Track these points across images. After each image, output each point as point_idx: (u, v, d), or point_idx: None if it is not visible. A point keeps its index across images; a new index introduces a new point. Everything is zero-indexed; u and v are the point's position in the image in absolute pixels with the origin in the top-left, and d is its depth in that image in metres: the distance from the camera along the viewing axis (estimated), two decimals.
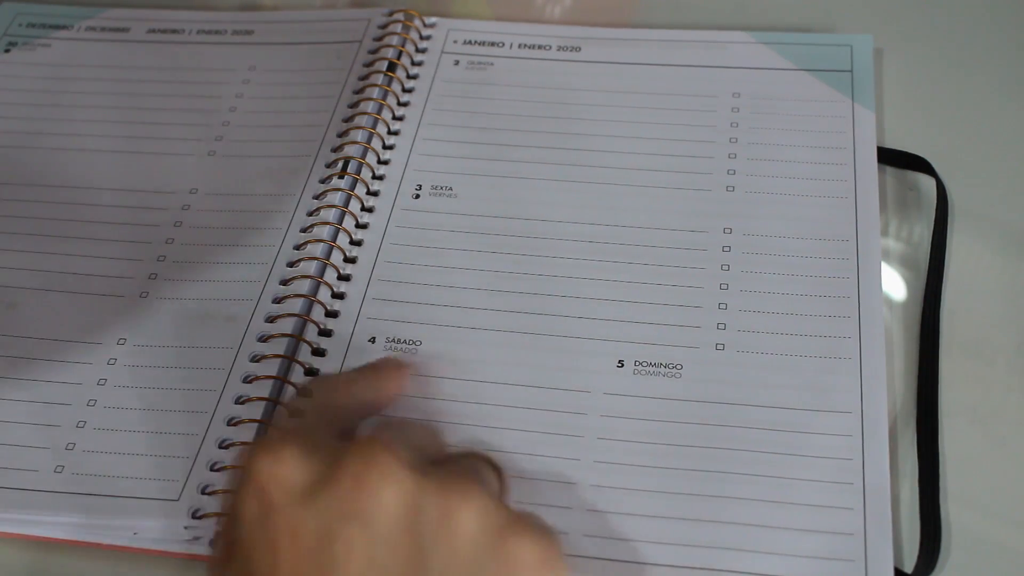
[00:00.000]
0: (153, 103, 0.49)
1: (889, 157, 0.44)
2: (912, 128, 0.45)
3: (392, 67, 0.48)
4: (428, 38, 0.50)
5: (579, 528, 0.35)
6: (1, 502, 0.36)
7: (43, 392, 0.39)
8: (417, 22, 0.50)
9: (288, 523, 0.28)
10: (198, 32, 0.52)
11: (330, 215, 0.43)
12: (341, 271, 0.42)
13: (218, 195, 0.45)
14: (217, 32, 0.51)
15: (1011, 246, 0.42)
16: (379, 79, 0.47)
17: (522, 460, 0.36)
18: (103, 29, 0.52)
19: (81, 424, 0.38)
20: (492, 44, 0.50)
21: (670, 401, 0.37)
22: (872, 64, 0.46)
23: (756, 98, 0.46)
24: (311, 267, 0.41)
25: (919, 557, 0.34)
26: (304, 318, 0.40)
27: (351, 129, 0.46)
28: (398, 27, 0.50)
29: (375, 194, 0.44)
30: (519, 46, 0.50)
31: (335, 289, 0.41)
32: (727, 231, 0.42)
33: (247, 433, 0.37)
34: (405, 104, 0.47)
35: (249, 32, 0.51)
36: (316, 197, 0.44)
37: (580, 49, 0.49)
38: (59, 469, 0.37)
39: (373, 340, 0.40)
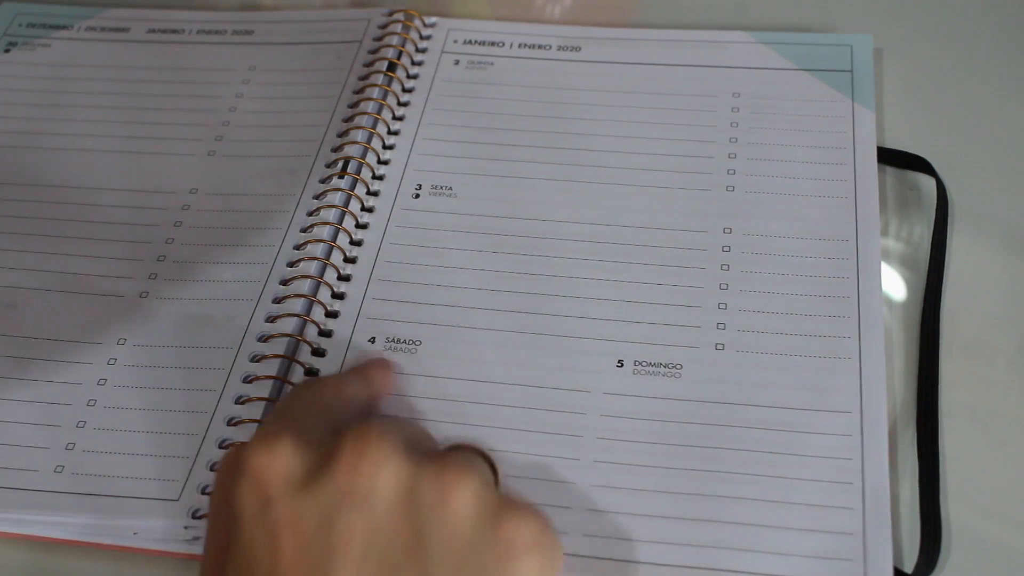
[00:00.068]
0: (153, 103, 0.49)
1: (889, 157, 0.44)
2: (912, 128, 0.45)
3: (392, 67, 0.48)
4: (428, 38, 0.50)
5: (579, 528, 0.35)
6: (1, 502, 0.36)
7: (43, 392, 0.39)
8: (417, 22, 0.50)
9: (287, 513, 0.28)
10: (198, 32, 0.52)
11: (330, 215, 0.43)
12: (341, 271, 0.42)
13: (218, 195, 0.45)
14: (217, 32, 0.51)
15: (1011, 246, 0.42)
16: (379, 79, 0.47)
17: (522, 460, 0.36)
18: (103, 29, 0.52)
19: (81, 424, 0.38)
20: (492, 44, 0.50)
21: (670, 401, 0.37)
22: (872, 64, 0.46)
23: (756, 98, 0.46)
24: (311, 267, 0.41)
25: (919, 557, 0.34)
26: (304, 318, 0.40)
27: (351, 129, 0.46)
28: (398, 27, 0.50)
29: (375, 194, 0.44)
30: (519, 46, 0.50)
31: (335, 289, 0.41)
32: (727, 231, 0.42)
33: (247, 433, 0.37)
34: (405, 104, 0.47)
35: (249, 32, 0.51)
36: (316, 197, 0.44)
37: (580, 49, 0.49)
38: (59, 469, 0.37)
39: (373, 340, 0.40)
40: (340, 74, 0.49)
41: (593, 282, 0.41)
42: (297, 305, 0.40)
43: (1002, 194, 0.44)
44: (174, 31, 0.52)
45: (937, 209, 0.43)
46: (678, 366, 0.38)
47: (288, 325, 0.40)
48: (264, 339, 0.39)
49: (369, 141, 0.45)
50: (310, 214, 0.43)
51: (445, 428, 0.37)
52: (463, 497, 0.29)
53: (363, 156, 0.45)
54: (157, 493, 0.36)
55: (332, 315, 0.40)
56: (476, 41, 0.50)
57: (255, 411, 0.37)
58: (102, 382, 0.39)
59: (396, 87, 0.47)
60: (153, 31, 0.52)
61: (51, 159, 0.47)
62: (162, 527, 0.35)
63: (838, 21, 0.50)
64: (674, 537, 0.34)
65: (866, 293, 0.39)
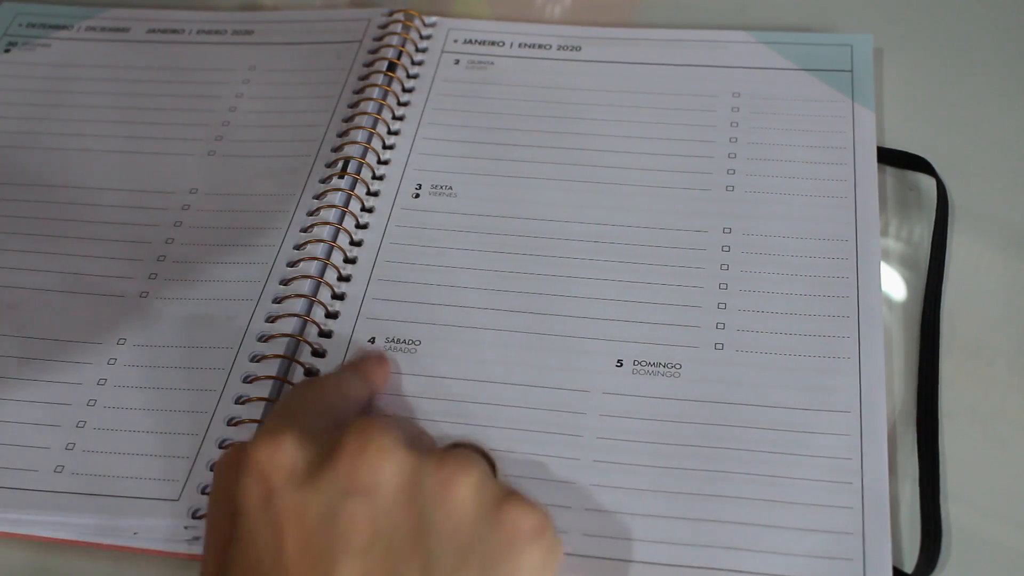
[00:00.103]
0: (153, 103, 0.49)
1: (889, 157, 0.44)
2: (912, 128, 0.45)
3: (392, 67, 0.48)
4: (428, 38, 0.50)
5: (578, 527, 0.35)
6: (1, 502, 0.36)
7: (43, 392, 0.39)
8: (417, 22, 0.50)
9: (291, 505, 0.28)
10: (198, 32, 0.52)
11: (330, 215, 0.43)
12: (341, 271, 0.42)
13: (218, 195, 0.45)
14: (217, 32, 0.51)
15: (1012, 246, 0.42)
16: (379, 79, 0.47)
17: (522, 459, 0.36)
18: (103, 29, 0.52)
19: (81, 424, 0.38)
20: (492, 43, 0.50)
21: (669, 400, 0.37)
22: (872, 64, 0.46)
23: (756, 98, 0.46)
24: (311, 267, 0.41)
25: (919, 557, 0.34)
26: (304, 318, 0.40)
27: (351, 129, 0.46)
28: (398, 27, 0.50)
29: (375, 194, 0.44)
30: (519, 45, 0.50)
31: (335, 290, 0.41)
32: (727, 231, 0.42)
33: (247, 433, 0.37)
34: (405, 104, 0.47)
35: (249, 32, 0.51)
36: (316, 197, 0.44)
37: (580, 49, 0.49)
38: (59, 469, 0.37)
39: (373, 340, 0.40)
40: (340, 74, 0.49)
41: (593, 282, 0.41)
42: (297, 305, 0.40)
43: (1002, 194, 0.44)
44: (174, 31, 0.52)
45: (937, 209, 0.43)
46: (678, 366, 0.38)
47: (288, 325, 0.40)
48: (264, 339, 0.39)
49: (369, 141, 0.45)
50: (310, 214, 0.43)
51: (445, 428, 0.37)
52: (465, 487, 0.29)
53: (363, 156, 0.45)
54: (157, 493, 0.36)
55: (332, 315, 0.40)
56: (476, 41, 0.50)
57: (255, 411, 0.37)
58: (102, 382, 0.39)
59: (396, 87, 0.47)
60: (153, 31, 0.52)
61: (51, 159, 0.47)
62: (162, 527, 0.35)
63: (838, 21, 0.50)
64: (674, 537, 0.34)
65: (866, 293, 0.39)
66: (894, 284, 0.41)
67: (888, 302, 0.41)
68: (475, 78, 0.48)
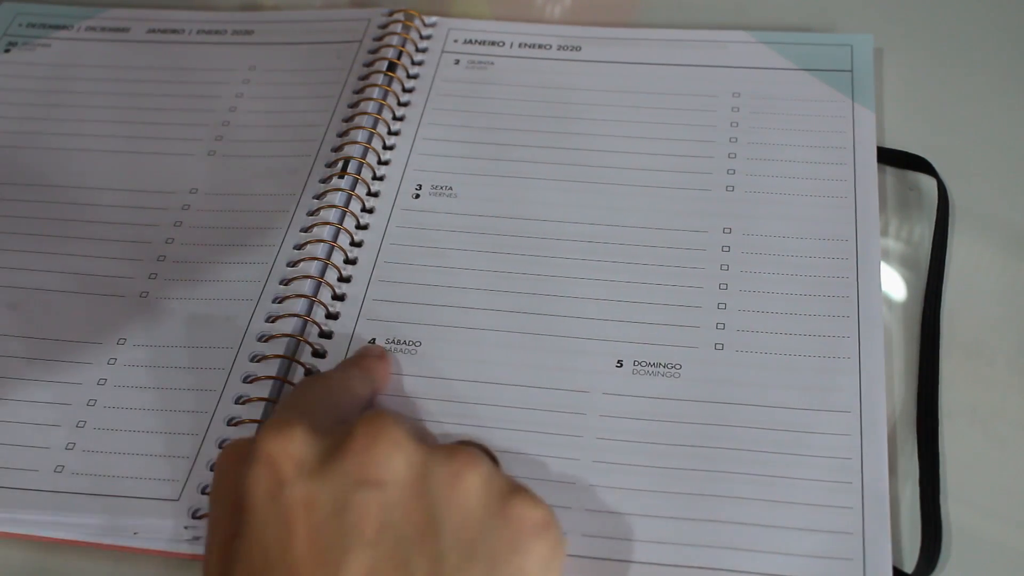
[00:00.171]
0: (153, 103, 0.49)
1: (889, 157, 0.44)
2: (912, 128, 0.45)
3: (392, 67, 0.48)
4: (428, 38, 0.50)
5: (578, 528, 0.35)
6: (1, 502, 0.36)
7: (43, 392, 0.39)
8: (417, 22, 0.50)
9: (300, 496, 0.28)
10: (198, 32, 0.52)
11: (330, 215, 0.43)
12: (342, 272, 0.42)
13: (218, 195, 0.45)
14: (217, 32, 0.51)
15: (1012, 246, 0.42)
16: (379, 79, 0.47)
17: (522, 460, 0.36)
18: (103, 29, 0.52)
19: (81, 424, 0.38)
20: (492, 43, 0.50)
21: (669, 401, 0.37)
22: (872, 64, 0.46)
23: (756, 98, 0.46)
24: (312, 267, 0.41)
25: (920, 557, 0.34)
26: (305, 318, 0.40)
27: (351, 129, 0.46)
28: (398, 27, 0.50)
29: (375, 194, 0.44)
30: (519, 45, 0.50)
31: (335, 290, 0.41)
32: (727, 231, 0.42)
33: (247, 433, 0.37)
34: (405, 104, 0.47)
35: (249, 32, 0.51)
36: (316, 197, 0.44)
37: (580, 49, 0.49)
38: (59, 469, 0.37)
39: (373, 341, 0.40)
40: (340, 74, 0.49)
41: (592, 282, 0.41)
42: (297, 305, 0.40)
43: (1002, 194, 0.44)
44: (174, 31, 0.52)
45: (938, 209, 0.43)
46: (677, 366, 0.38)
47: (288, 325, 0.40)
48: (264, 339, 0.39)
49: (369, 141, 0.45)
50: (310, 214, 0.43)
51: (445, 428, 0.37)
52: (474, 481, 0.29)
53: (363, 156, 0.45)
54: (157, 493, 0.36)
55: (332, 316, 0.40)
56: (476, 41, 0.50)
57: (255, 411, 0.37)
58: (102, 382, 0.39)
59: (396, 87, 0.47)
60: (153, 31, 0.52)
61: (51, 159, 0.47)
62: (162, 527, 0.35)
63: (838, 21, 0.50)
64: (674, 537, 0.34)
65: (866, 293, 0.39)
66: (894, 284, 0.41)
67: (888, 302, 0.41)
68: (475, 78, 0.48)
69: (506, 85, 0.48)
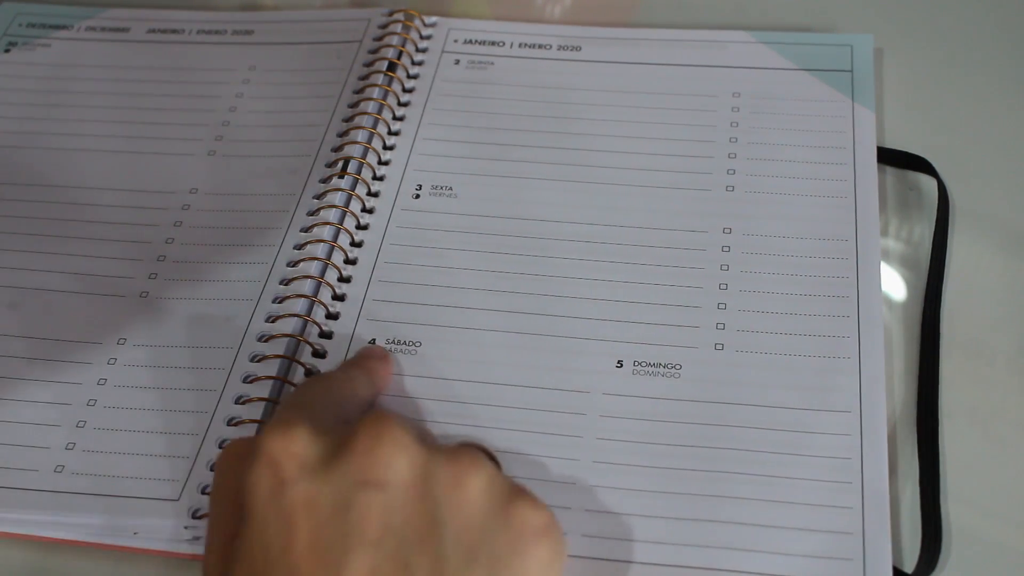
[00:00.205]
0: (153, 103, 0.49)
1: (889, 157, 0.44)
2: (912, 128, 0.45)
3: (392, 67, 0.48)
4: (428, 38, 0.50)
5: (578, 528, 0.35)
6: (1, 502, 0.36)
7: (43, 392, 0.39)
8: (417, 22, 0.50)
9: (303, 495, 0.28)
10: (198, 32, 0.52)
11: (331, 215, 0.43)
12: (342, 272, 0.42)
13: (218, 195, 0.45)
14: (217, 32, 0.51)
15: (1012, 246, 0.42)
16: (379, 79, 0.47)
17: (521, 460, 0.36)
18: (103, 29, 0.52)
19: (81, 424, 0.38)
20: (492, 43, 0.50)
21: (669, 401, 0.37)
22: (872, 64, 0.46)
23: (756, 98, 0.46)
24: (312, 267, 0.41)
25: (920, 557, 0.34)
26: (305, 318, 0.40)
27: (351, 129, 0.46)
28: (398, 27, 0.50)
29: (375, 194, 0.44)
30: (519, 45, 0.50)
31: (336, 290, 0.41)
32: (727, 231, 0.42)
33: (247, 433, 0.37)
34: (405, 104, 0.47)
35: (249, 32, 0.51)
36: (316, 197, 0.44)
37: (580, 49, 0.49)
38: (59, 469, 0.37)
39: (374, 341, 0.40)
40: (340, 74, 0.49)
41: (592, 282, 0.41)
42: (298, 305, 0.40)
43: (1003, 194, 0.44)
44: (174, 31, 0.52)
45: (938, 209, 0.43)
46: (677, 366, 0.38)
47: (288, 325, 0.40)
48: (264, 339, 0.39)
49: (369, 141, 0.45)
50: (310, 214, 0.43)
51: (445, 429, 0.37)
52: (476, 484, 0.29)
53: (363, 156, 0.45)
54: (157, 493, 0.36)
55: (333, 316, 0.40)
56: (476, 41, 0.50)
57: (255, 411, 0.37)
58: (102, 382, 0.39)
59: (396, 87, 0.47)
60: (153, 31, 0.52)
61: (51, 159, 0.47)
62: (162, 527, 0.35)
63: (838, 21, 0.50)
64: (674, 537, 0.34)
65: (866, 293, 0.39)
66: (894, 284, 0.41)
67: (888, 302, 0.41)
68: (475, 78, 0.48)
69: (506, 85, 0.48)
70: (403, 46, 0.49)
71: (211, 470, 0.36)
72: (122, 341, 0.40)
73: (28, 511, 0.36)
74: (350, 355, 0.39)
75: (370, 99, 0.47)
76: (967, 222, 0.43)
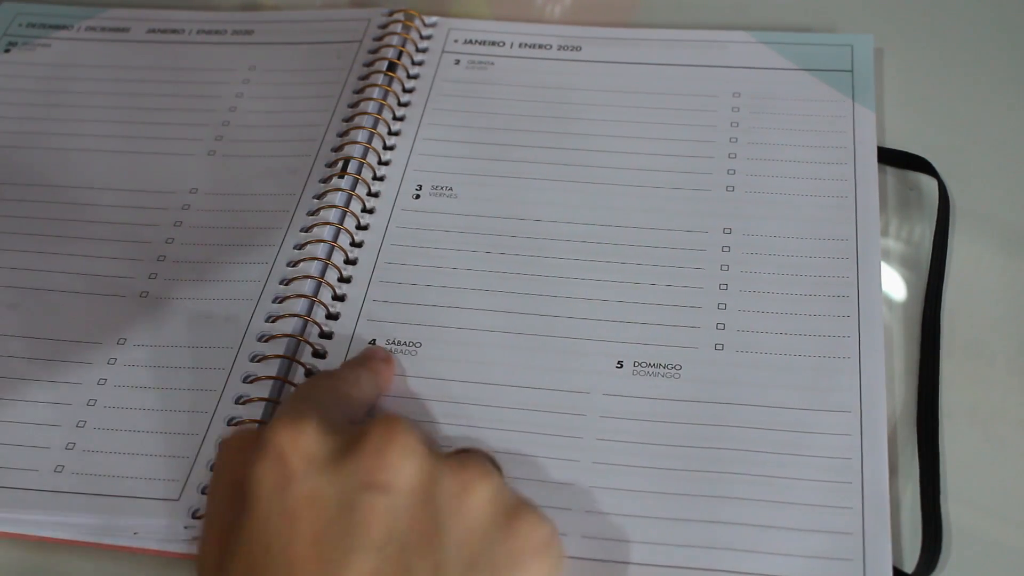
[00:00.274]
0: (153, 103, 0.49)
1: (890, 157, 0.44)
2: (912, 128, 0.45)
3: (392, 67, 0.48)
4: (429, 38, 0.50)
5: (578, 529, 0.35)
6: (1, 502, 0.36)
7: (43, 392, 0.39)
8: (417, 22, 0.50)
9: (309, 491, 0.28)
10: (198, 32, 0.52)
11: (331, 215, 0.43)
12: (342, 272, 0.42)
13: (218, 195, 0.45)
14: (217, 32, 0.51)
15: (1012, 246, 0.42)
16: (379, 79, 0.47)
17: (521, 461, 0.36)
18: (103, 29, 0.52)
19: (81, 424, 0.38)
20: (493, 44, 0.50)
21: (669, 402, 0.37)
22: (872, 64, 0.46)
23: (756, 98, 0.46)
24: (312, 267, 0.41)
25: (920, 557, 0.34)
26: (305, 318, 0.40)
27: (351, 129, 0.46)
28: (398, 27, 0.50)
29: (375, 195, 0.44)
30: (520, 45, 0.50)
31: (336, 290, 0.41)
32: (727, 231, 0.42)
33: None
34: (406, 104, 0.47)
35: (249, 32, 0.51)
36: (317, 197, 0.44)
37: (580, 49, 0.49)
38: (59, 469, 0.37)
39: (374, 342, 0.40)
40: (340, 74, 0.49)
41: (593, 283, 0.41)
42: (298, 305, 0.40)
43: (1003, 194, 0.44)
44: (174, 31, 0.52)
45: (938, 209, 0.43)
46: (677, 367, 0.38)
47: (288, 325, 0.40)
48: (264, 339, 0.39)
49: (370, 141, 0.45)
50: (311, 214, 0.43)
51: (446, 430, 0.37)
52: (482, 493, 0.30)
53: (363, 156, 0.45)
54: (157, 493, 0.36)
55: (333, 316, 0.40)
56: (476, 41, 0.50)
57: (255, 411, 0.37)
58: (102, 382, 0.39)
59: (396, 87, 0.47)
60: (153, 31, 0.52)
61: (51, 159, 0.47)
62: (162, 527, 0.35)
63: (838, 21, 0.50)
64: (673, 538, 0.34)
65: (866, 293, 0.39)
66: (894, 284, 0.41)
67: (888, 302, 0.41)
68: (475, 78, 0.48)
69: (506, 85, 0.48)
70: (403, 46, 0.49)
71: (211, 470, 0.36)
72: (122, 341, 0.40)
73: (28, 511, 0.36)
74: (350, 355, 0.39)
75: (370, 99, 0.47)
76: (967, 222, 0.43)
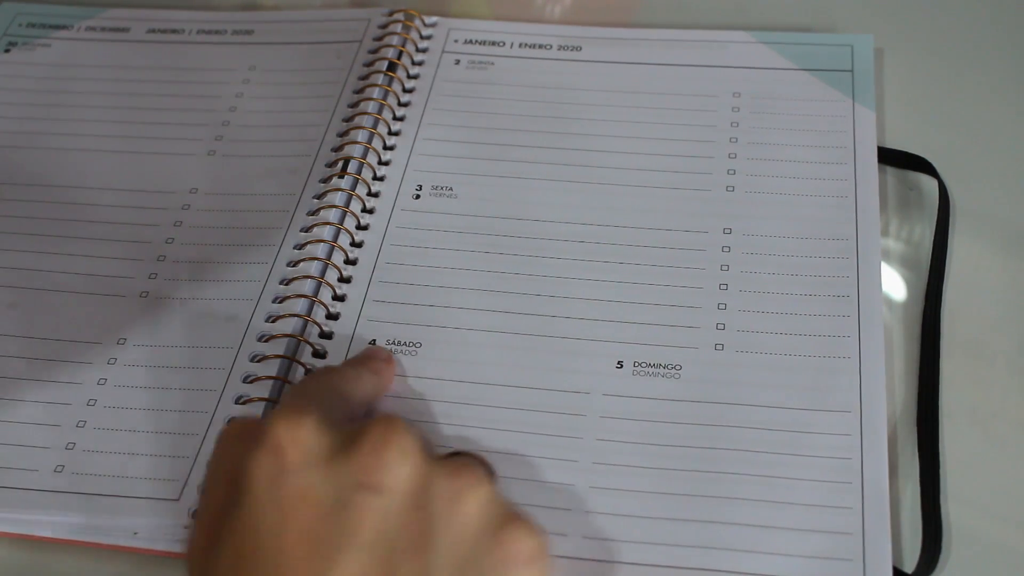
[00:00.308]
0: (153, 103, 0.49)
1: (890, 157, 0.44)
2: (913, 128, 0.45)
3: (392, 67, 0.48)
4: (429, 38, 0.50)
5: (578, 530, 0.35)
6: (1, 502, 0.36)
7: (43, 392, 0.39)
8: (417, 22, 0.50)
9: (303, 485, 0.28)
10: (198, 32, 0.52)
11: (331, 215, 0.43)
12: (342, 272, 0.42)
13: (218, 195, 0.45)
14: (217, 32, 0.51)
15: (1012, 246, 0.42)
16: (379, 79, 0.47)
17: (521, 461, 0.36)
18: (103, 29, 0.52)
19: (81, 424, 0.38)
20: (493, 44, 0.50)
21: (669, 402, 0.37)
22: (873, 64, 0.46)
23: (756, 98, 0.46)
24: (312, 267, 0.41)
25: (920, 557, 0.34)
26: (305, 318, 0.40)
27: (352, 129, 0.46)
28: (398, 27, 0.50)
29: (375, 195, 0.44)
30: (520, 45, 0.50)
31: (336, 290, 0.41)
32: (727, 231, 0.42)
33: None
34: (406, 104, 0.47)
35: (249, 32, 0.51)
36: (317, 197, 0.44)
37: (580, 49, 0.49)
38: (59, 469, 0.37)
39: (374, 342, 0.40)
40: (340, 74, 0.49)
41: (594, 283, 0.41)
42: (298, 305, 0.40)
43: (1003, 194, 0.44)
44: (174, 31, 0.52)
45: (939, 209, 0.43)
46: (677, 367, 0.38)
47: (288, 325, 0.40)
48: (265, 339, 0.39)
49: (370, 141, 0.45)
50: (311, 214, 0.43)
51: (445, 430, 0.37)
52: (474, 500, 0.30)
53: (363, 156, 0.45)
54: (157, 493, 0.36)
55: (333, 316, 0.40)
56: (477, 41, 0.50)
57: (255, 411, 0.37)
58: (102, 382, 0.39)
59: (396, 87, 0.47)
60: (153, 31, 0.52)
61: (51, 159, 0.47)
62: (162, 527, 0.35)
63: (838, 21, 0.50)
64: (673, 538, 0.34)
65: (866, 293, 0.39)
66: (894, 284, 0.41)
67: (888, 302, 0.41)
68: (476, 78, 0.48)
69: (507, 85, 0.48)
70: (403, 46, 0.49)
71: None
72: (122, 341, 0.40)
73: (28, 511, 0.36)
74: (350, 355, 0.39)
75: (370, 99, 0.47)
76: (967, 222, 0.43)
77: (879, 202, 0.42)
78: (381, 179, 0.45)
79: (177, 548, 0.35)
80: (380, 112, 0.46)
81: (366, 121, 0.46)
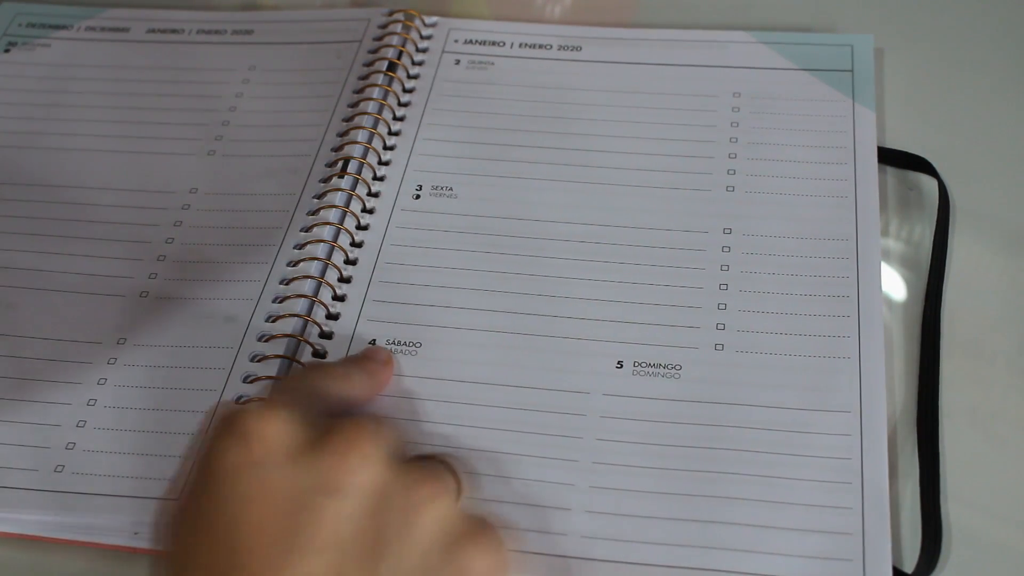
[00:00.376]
0: (153, 103, 0.49)
1: (890, 157, 0.44)
2: (913, 128, 0.45)
3: (392, 67, 0.48)
4: (429, 38, 0.50)
5: (578, 529, 0.35)
6: (1, 502, 0.36)
7: (43, 392, 0.39)
8: (417, 22, 0.50)
9: (263, 480, 0.28)
10: (198, 32, 0.52)
11: (331, 215, 0.43)
12: (342, 272, 0.42)
13: (218, 195, 0.45)
14: (217, 32, 0.51)
15: (1012, 246, 0.42)
16: (379, 79, 0.47)
17: (521, 461, 0.36)
18: (103, 29, 0.52)
19: (81, 424, 0.38)
20: (493, 44, 0.50)
21: (669, 402, 0.37)
22: (873, 64, 0.46)
23: (756, 98, 0.46)
24: (312, 267, 0.41)
25: (920, 557, 0.34)
26: (305, 318, 0.40)
27: (352, 129, 0.46)
28: (398, 27, 0.50)
29: (375, 195, 0.44)
30: (520, 45, 0.50)
31: (336, 290, 0.41)
32: (727, 231, 0.42)
33: None
34: (406, 104, 0.47)
35: (249, 32, 0.51)
36: (317, 197, 0.44)
37: (581, 49, 0.49)
38: (59, 469, 0.37)
39: (374, 342, 0.40)
40: (340, 74, 0.49)
41: (594, 283, 0.41)
42: (298, 305, 0.40)
43: (1003, 194, 0.44)
44: (174, 31, 0.52)
45: (939, 209, 0.43)
46: (677, 367, 0.38)
47: (288, 325, 0.40)
48: (265, 339, 0.39)
49: (370, 141, 0.45)
50: (311, 214, 0.43)
51: (445, 429, 0.37)
52: (430, 514, 0.30)
53: (363, 156, 0.45)
54: (157, 492, 0.36)
55: (333, 316, 0.40)
56: (477, 41, 0.50)
57: None
58: (102, 382, 0.39)
59: (396, 87, 0.47)
60: (153, 31, 0.52)
61: (51, 159, 0.47)
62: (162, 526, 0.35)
63: (838, 21, 0.50)
64: (673, 538, 0.34)
65: (866, 293, 0.39)
66: (894, 284, 0.41)
67: (888, 302, 0.41)
68: (476, 78, 0.48)
69: (507, 85, 0.48)
70: (403, 46, 0.49)
71: None
72: (122, 341, 0.40)
73: (28, 511, 0.36)
74: (353, 354, 0.39)
75: (370, 99, 0.47)
76: (967, 222, 0.43)
77: (879, 202, 0.42)
78: (381, 179, 0.45)
79: None
80: (380, 112, 0.46)
81: (366, 121, 0.46)
